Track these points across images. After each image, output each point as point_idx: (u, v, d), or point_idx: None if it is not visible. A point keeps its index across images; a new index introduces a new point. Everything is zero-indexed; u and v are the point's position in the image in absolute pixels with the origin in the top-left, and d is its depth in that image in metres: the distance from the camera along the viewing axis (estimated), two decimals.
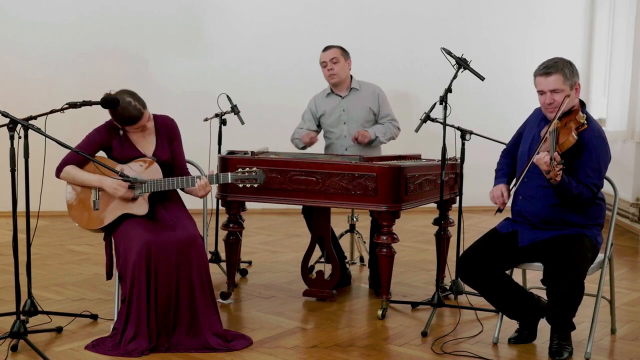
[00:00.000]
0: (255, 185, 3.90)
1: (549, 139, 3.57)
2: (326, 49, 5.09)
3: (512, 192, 3.85)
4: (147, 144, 4.07)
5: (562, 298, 3.59)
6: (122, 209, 3.94)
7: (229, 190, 4.58)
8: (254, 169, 3.89)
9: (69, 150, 3.82)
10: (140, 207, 3.94)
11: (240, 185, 3.90)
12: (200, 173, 4.27)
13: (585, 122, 3.64)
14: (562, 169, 3.46)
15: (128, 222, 3.92)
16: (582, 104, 3.81)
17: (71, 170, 3.96)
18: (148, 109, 3.97)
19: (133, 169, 3.96)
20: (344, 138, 5.11)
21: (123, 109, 3.87)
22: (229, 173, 3.92)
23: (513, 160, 4.03)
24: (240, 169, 3.92)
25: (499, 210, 3.80)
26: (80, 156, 3.91)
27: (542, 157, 3.50)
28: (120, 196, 3.89)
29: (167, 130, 4.12)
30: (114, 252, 3.99)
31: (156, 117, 4.12)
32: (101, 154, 4.07)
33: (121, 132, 4.02)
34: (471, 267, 3.83)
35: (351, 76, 5.14)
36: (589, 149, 3.65)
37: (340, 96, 5.12)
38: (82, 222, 4.00)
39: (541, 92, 3.72)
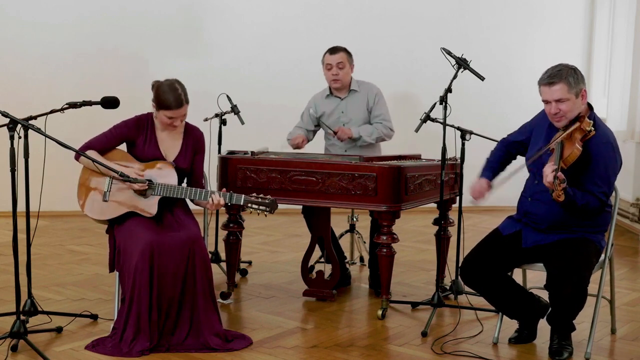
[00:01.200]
0: (265, 215, 3.88)
1: (555, 152, 3.55)
2: (333, 51, 5.03)
3: (493, 190, 3.87)
4: (171, 148, 4.09)
5: (565, 300, 3.58)
6: (130, 206, 3.95)
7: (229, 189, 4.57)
8: (268, 196, 3.89)
9: (69, 150, 3.81)
10: (148, 209, 3.94)
11: (250, 211, 3.89)
12: (208, 186, 4.28)
13: (592, 129, 3.58)
14: (565, 188, 3.41)
15: (132, 221, 3.93)
16: (591, 108, 3.75)
17: (92, 155, 3.95)
18: (187, 109, 4.01)
19: (147, 173, 3.96)
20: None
21: (166, 91, 3.93)
22: (243, 195, 3.89)
23: (507, 152, 4.03)
24: (254, 194, 3.91)
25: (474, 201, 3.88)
26: (102, 143, 3.98)
27: (546, 172, 3.46)
28: (136, 188, 3.91)
29: (194, 141, 4.15)
30: (115, 248, 3.99)
31: (188, 126, 4.16)
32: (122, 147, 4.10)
33: (150, 130, 4.06)
34: (475, 271, 3.82)
35: (351, 77, 5.14)
36: (595, 158, 3.60)
37: (340, 98, 5.12)
38: (90, 211, 4.00)
39: (546, 102, 3.67)
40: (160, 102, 3.96)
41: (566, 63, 3.69)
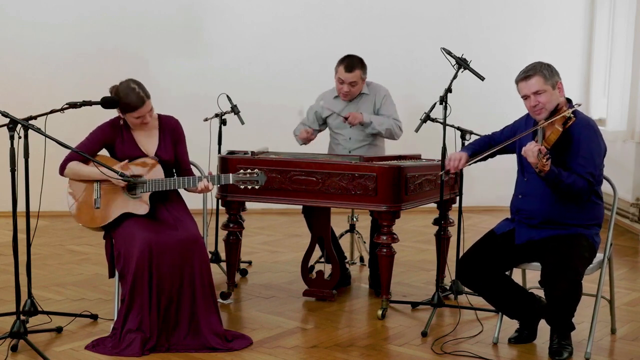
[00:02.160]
0: (257, 187, 3.92)
1: (538, 137, 3.64)
2: (349, 68, 4.87)
3: (469, 165, 3.95)
4: (149, 143, 4.08)
5: (560, 297, 3.59)
6: (123, 208, 3.94)
7: (229, 190, 4.58)
8: (255, 170, 3.90)
9: (68, 150, 3.82)
10: (141, 207, 3.95)
11: (242, 187, 3.92)
12: (200, 174, 4.28)
13: (572, 115, 3.67)
14: (549, 158, 3.49)
15: (129, 222, 3.92)
16: (569, 101, 3.84)
17: (74, 166, 3.97)
18: (151, 102, 3.98)
19: (134, 171, 3.96)
20: (348, 140, 5.08)
21: (125, 94, 3.90)
22: (230, 174, 3.93)
23: (489, 144, 4.06)
24: (241, 170, 3.92)
25: (447, 173, 3.98)
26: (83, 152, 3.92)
27: (530, 149, 3.53)
28: (124, 185, 3.90)
29: (170, 130, 4.13)
30: (114, 251, 3.98)
31: (161, 117, 4.14)
32: (104, 152, 4.08)
33: (125, 130, 4.04)
34: (470, 270, 3.84)
35: None
36: (577, 140, 3.69)
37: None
38: (84, 221, 4.00)
39: (525, 97, 3.77)
40: (123, 106, 3.93)
41: (540, 61, 3.80)
